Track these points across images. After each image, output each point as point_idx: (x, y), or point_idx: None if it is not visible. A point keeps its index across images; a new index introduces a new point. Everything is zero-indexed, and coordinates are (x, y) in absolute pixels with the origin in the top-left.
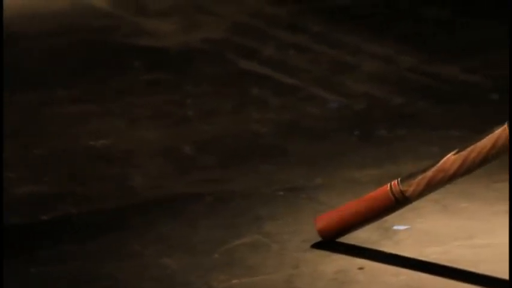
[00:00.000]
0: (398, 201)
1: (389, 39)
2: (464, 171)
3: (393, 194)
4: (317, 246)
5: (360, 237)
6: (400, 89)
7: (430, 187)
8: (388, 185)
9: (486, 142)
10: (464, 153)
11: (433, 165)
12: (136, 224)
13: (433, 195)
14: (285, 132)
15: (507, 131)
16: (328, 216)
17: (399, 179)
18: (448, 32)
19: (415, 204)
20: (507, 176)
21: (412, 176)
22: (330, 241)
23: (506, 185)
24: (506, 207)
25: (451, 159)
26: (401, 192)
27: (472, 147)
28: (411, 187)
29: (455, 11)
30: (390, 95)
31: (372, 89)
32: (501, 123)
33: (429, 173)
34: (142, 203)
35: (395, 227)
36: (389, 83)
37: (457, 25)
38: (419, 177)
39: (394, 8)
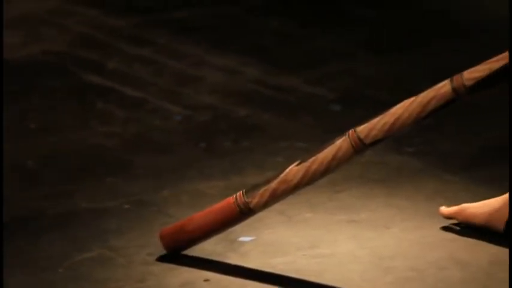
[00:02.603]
0: (243, 213)
1: (233, 51)
2: (307, 181)
3: (238, 206)
4: (163, 259)
5: (205, 249)
6: (244, 100)
7: (274, 198)
8: (233, 196)
9: (328, 153)
10: (306, 164)
11: (276, 176)
12: None
13: (277, 206)
14: (130, 145)
15: (348, 141)
16: (173, 229)
17: (243, 191)
18: (290, 43)
19: (259, 215)
20: (348, 186)
21: (256, 187)
22: (176, 254)
23: (348, 195)
24: (349, 217)
25: (293, 170)
26: (246, 203)
27: (314, 158)
28: (255, 198)
29: (296, 23)
30: (234, 107)
31: (217, 101)
32: (342, 134)
33: (272, 184)
34: None
35: (240, 239)
36: (233, 94)
37: (298, 37)
38: (263, 188)
39: (236, 19)
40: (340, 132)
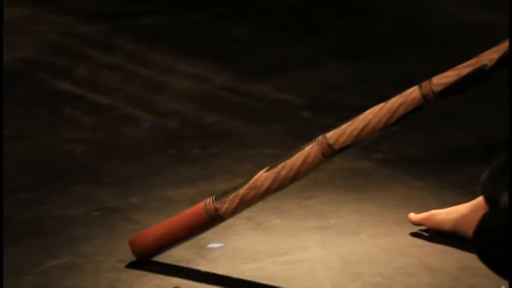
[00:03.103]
0: (212, 219)
1: (202, 58)
2: (276, 187)
3: (207, 212)
4: (132, 266)
5: (175, 256)
6: (213, 107)
7: (244, 204)
8: (202, 203)
9: (297, 159)
10: (275, 170)
11: (245, 182)
12: None
13: (247, 213)
14: (99, 152)
15: (317, 147)
16: (143, 235)
17: (213, 197)
18: (259, 50)
19: (229, 221)
20: (318, 193)
21: (225, 193)
22: (145, 261)
23: (317, 201)
24: (318, 223)
25: (263, 177)
26: (215, 210)
27: (283, 164)
28: (225, 205)
29: (265, 30)
30: (203, 113)
31: (185, 108)
32: (311, 140)
33: (242, 191)
34: None
35: (210, 245)
36: (202, 101)
37: (267, 43)
38: (233, 194)
39: (205, 26)
40: (310, 138)
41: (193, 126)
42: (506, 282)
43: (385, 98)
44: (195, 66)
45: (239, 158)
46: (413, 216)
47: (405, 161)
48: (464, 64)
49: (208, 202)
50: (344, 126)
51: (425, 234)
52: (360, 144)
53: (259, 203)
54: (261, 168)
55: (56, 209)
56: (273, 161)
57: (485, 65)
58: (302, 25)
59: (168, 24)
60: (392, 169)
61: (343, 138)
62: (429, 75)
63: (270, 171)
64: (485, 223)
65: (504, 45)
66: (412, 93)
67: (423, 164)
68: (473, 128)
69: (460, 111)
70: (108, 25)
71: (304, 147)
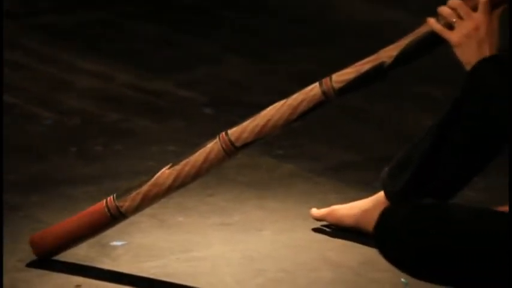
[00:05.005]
0: (114, 217)
1: (105, 56)
2: (179, 184)
3: (109, 210)
4: (34, 265)
5: (77, 254)
6: (116, 105)
7: (146, 202)
8: (104, 201)
9: (199, 156)
10: (178, 167)
11: (147, 180)
12: None
13: (150, 210)
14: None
15: (219, 144)
16: (44, 234)
17: (114, 195)
18: (162, 48)
19: (132, 219)
20: (221, 189)
21: (127, 191)
22: (47, 260)
23: (220, 198)
24: (221, 220)
25: (165, 174)
26: (117, 207)
27: (185, 161)
28: (126, 202)
29: (167, 29)
30: (106, 111)
31: (88, 106)
32: (214, 137)
33: (144, 188)
34: None
35: (113, 243)
36: (105, 99)
37: (169, 42)
38: (135, 192)
39: (108, 25)
40: (213, 135)
41: (96, 124)
42: (407, 276)
43: (286, 94)
44: (97, 64)
45: (142, 155)
46: (315, 211)
47: (307, 157)
48: (364, 61)
49: (110, 200)
50: (246, 123)
51: (328, 229)
52: (262, 141)
53: (163, 200)
54: (165, 165)
55: None
56: (176, 158)
57: (384, 62)
58: (205, 23)
59: (71, 22)
60: (294, 165)
61: (245, 135)
62: (330, 72)
63: (172, 169)
64: (385, 218)
65: (402, 42)
66: (313, 90)
67: (325, 160)
68: (372, 124)
69: (360, 107)
70: (10, 23)
71: (206, 144)
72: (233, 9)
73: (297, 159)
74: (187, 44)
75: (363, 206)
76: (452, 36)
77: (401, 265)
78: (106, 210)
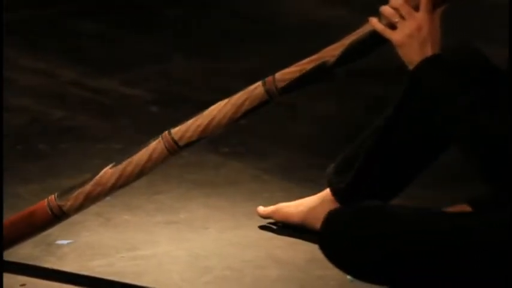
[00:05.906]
0: (56, 216)
1: (48, 54)
2: (122, 183)
3: (50, 209)
4: None
5: (21, 253)
6: (60, 102)
7: (89, 201)
8: (46, 200)
9: (142, 155)
10: (121, 166)
11: (90, 179)
12: None
13: (95, 209)
14: None
15: (162, 143)
16: None
17: (56, 194)
18: (106, 46)
19: (77, 218)
20: (167, 187)
21: (69, 190)
22: None
23: (166, 196)
24: (167, 218)
25: (108, 173)
26: (59, 206)
27: (129, 160)
28: (69, 202)
29: (112, 26)
30: (50, 109)
31: (32, 104)
32: (159, 135)
33: (87, 187)
34: None
35: (58, 242)
36: (49, 97)
37: (114, 39)
38: (77, 191)
39: (51, 22)
40: (158, 133)
41: (40, 122)
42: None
43: (232, 92)
44: (41, 61)
45: (87, 153)
46: (261, 209)
47: (253, 155)
48: (307, 60)
49: (51, 199)
50: (189, 122)
51: (274, 227)
52: (208, 139)
53: (108, 198)
54: (110, 163)
55: None
56: (121, 156)
57: (327, 61)
58: (149, 21)
59: (13, 19)
60: (240, 163)
61: (188, 134)
62: (274, 71)
63: (116, 167)
64: (329, 223)
65: (345, 41)
66: (256, 88)
67: (271, 158)
68: (317, 121)
69: (305, 105)
70: None
71: (149, 143)
72: (177, 7)
73: (244, 157)
74: (131, 42)
75: (309, 204)
76: (395, 36)
77: (345, 268)
78: (48, 209)
